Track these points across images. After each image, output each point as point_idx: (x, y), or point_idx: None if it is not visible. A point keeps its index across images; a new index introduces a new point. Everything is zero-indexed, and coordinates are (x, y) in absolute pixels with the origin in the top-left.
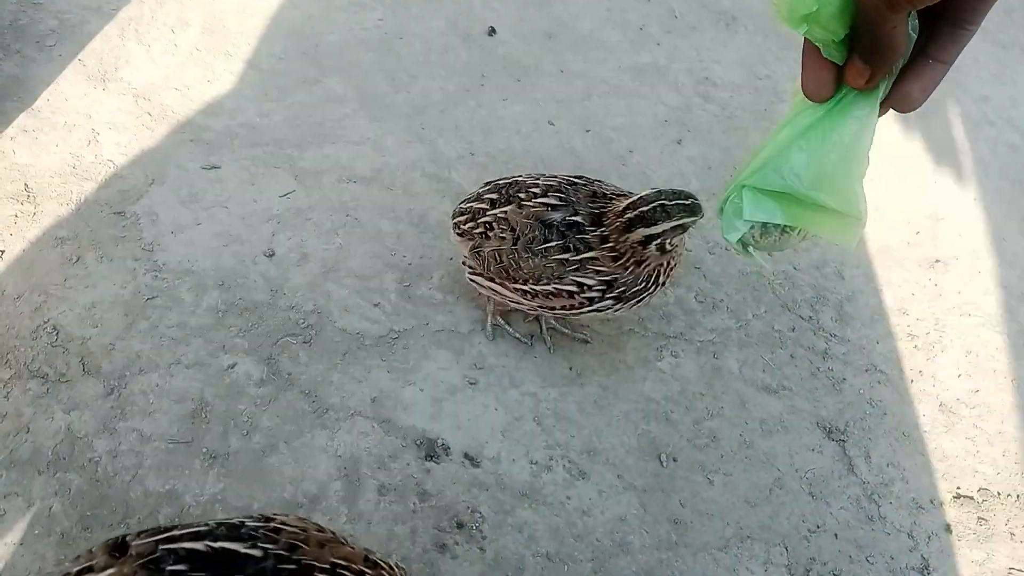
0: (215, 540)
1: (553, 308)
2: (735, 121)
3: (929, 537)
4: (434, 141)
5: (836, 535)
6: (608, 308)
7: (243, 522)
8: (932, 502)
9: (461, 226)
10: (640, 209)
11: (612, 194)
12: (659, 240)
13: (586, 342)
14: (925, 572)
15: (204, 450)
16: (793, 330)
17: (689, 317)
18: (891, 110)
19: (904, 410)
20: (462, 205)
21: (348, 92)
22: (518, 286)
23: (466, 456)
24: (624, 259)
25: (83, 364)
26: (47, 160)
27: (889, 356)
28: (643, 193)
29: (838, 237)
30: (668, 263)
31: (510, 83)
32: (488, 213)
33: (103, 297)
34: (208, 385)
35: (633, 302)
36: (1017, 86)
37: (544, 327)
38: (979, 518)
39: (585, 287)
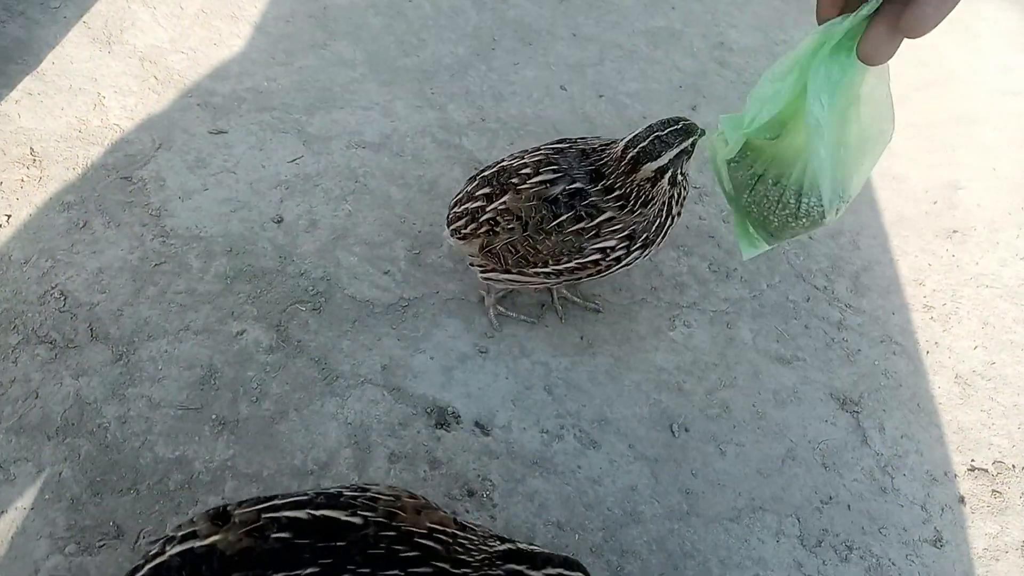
0: (316, 508)
1: (580, 279)
2: (751, 87)
3: (943, 509)
4: (444, 106)
5: (849, 507)
6: (638, 258)
7: (340, 492)
8: (946, 474)
9: (462, 231)
10: (640, 146)
11: (600, 146)
12: (670, 172)
13: (598, 311)
14: (938, 544)
15: (213, 417)
16: (808, 300)
17: (702, 287)
18: (904, 38)
19: (919, 382)
20: (455, 210)
21: (357, 56)
22: (539, 270)
23: (477, 424)
24: (631, 204)
25: (91, 330)
26: (53, 124)
27: (904, 327)
28: (635, 132)
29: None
30: (678, 193)
31: (521, 47)
32: (488, 209)
33: (111, 263)
34: (217, 352)
35: (658, 241)
36: None
37: (555, 297)
38: (993, 491)
39: (608, 251)
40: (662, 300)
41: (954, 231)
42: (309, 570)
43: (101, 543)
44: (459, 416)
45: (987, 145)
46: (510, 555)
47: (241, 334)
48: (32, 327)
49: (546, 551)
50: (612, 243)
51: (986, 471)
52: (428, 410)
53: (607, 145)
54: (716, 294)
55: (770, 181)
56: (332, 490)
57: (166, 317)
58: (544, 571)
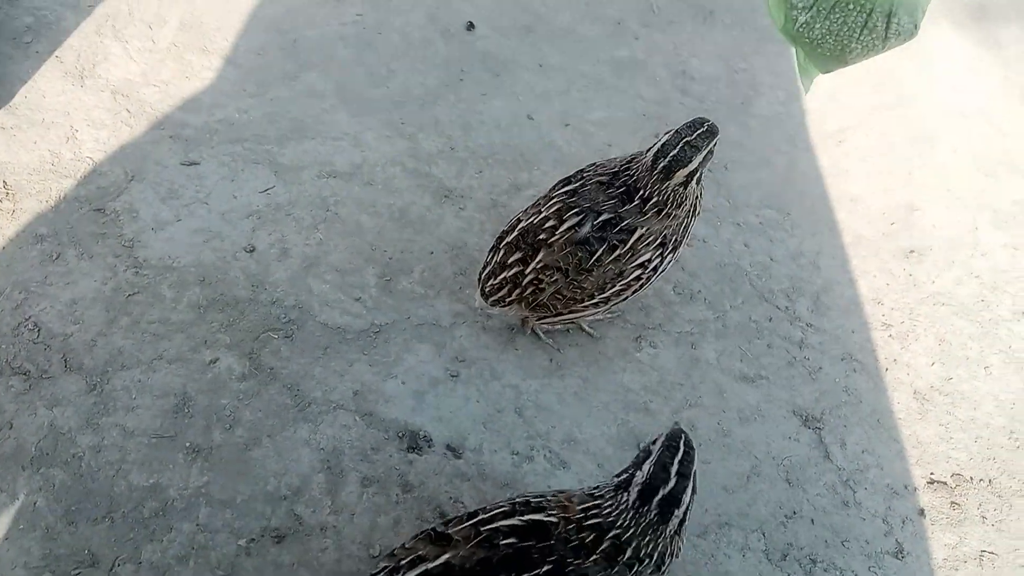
0: (523, 514)
1: (625, 298)
2: (712, 114)
3: (903, 522)
4: (414, 136)
5: (812, 521)
6: (670, 264)
7: (527, 499)
8: (906, 487)
9: (506, 299)
10: (671, 154)
11: (622, 167)
12: (698, 173)
13: (591, 335)
14: (899, 556)
15: (187, 444)
16: (770, 320)
17: (668, 308)
18: None
19: (879, 398)
20: (491, 283)
21: (327, 87)
22: (588, 303)
23: (448, 448)
24: (668, 208)
25: (65, 360)
26: (25, 157)
27: (864, 345)
28: (662, 141)
29: None
30: (701, 191)
31: (489, 78)
32: (527, 272)
33: (84, 294)
34: (190, 380)
35: (685, 241)
36: (991, 79)
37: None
38: (952, 503)
39: (647, 264)
40: (629, 322)
41: (911, 251)
42: (545, 568)
43: (76, 571)
44: (431, 440)
45: (943, 166)
46: (644, 494)
47: (214, 362)
48: (6, 359)
49: (636, 456)
50: (648, 255)
51: (945, 484)
52: (400, 434)
53: (629, 163)
54: (681, 316)
55: (851, 9)
56: (518, 497)
57: (139, 347)
58: (643, 467)
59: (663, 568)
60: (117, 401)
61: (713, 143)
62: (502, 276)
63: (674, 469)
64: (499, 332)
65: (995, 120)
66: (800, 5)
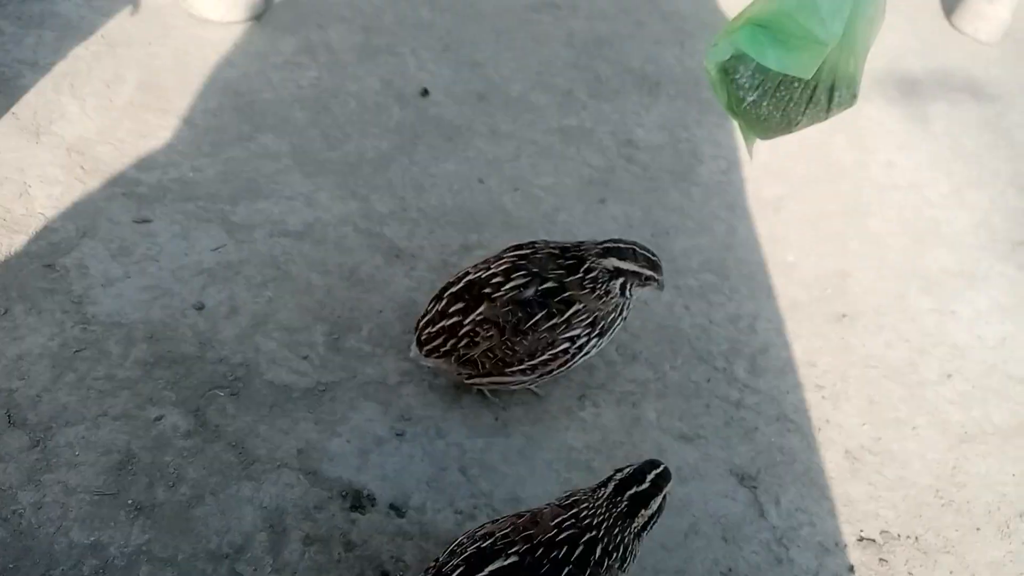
0: (479, 569)
1: (551, 371)
2: (656, 182)
3: None
4: (367, 197)
5: None
6: (594, 348)
7: (479, 548)
8: (837, 544)
9: (440, 348)
10: (618, 243)
11: (572, 245)
12: (623, 278)
13: (536, 395)
14: None
15: (130, 502)
16: (708, 381)
17: (610, 368)
18: None
19: (811, 457)
20: (428, 330)
21: (282, 148)
22: (515, 368)
23: (391, 507)
24: (599, 288)
25: (9, 416)
26: None
27: (798, 406)
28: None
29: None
30: (627, 304)
31: (442, 142)
32: (466, 323)
33: (31, 349)
34: (135, 437)
35: (609, 334)
36: (920, 152)
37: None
38: (880, 559)
39: (575, 339)
40: (573, 381)
41: (843, 315)
42: None
43: None
44: (374, 498)
45: (874, 235)
46: (620, 487)
47: (159, 419)
48: None
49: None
50: (578, 331)
51: (874, 541)
52: (343, 493)
53: (578, 246)
54: (623, 375)
55: (796, 88)
56: (471, 547)
57: (85, 403)
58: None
59: (624, 567)
60: (60, 457)
61: (647, 271)
62: (440, 324)
63: (650, 477)
64: (445, 391)
65: (923, 192)
66: (747, 86)
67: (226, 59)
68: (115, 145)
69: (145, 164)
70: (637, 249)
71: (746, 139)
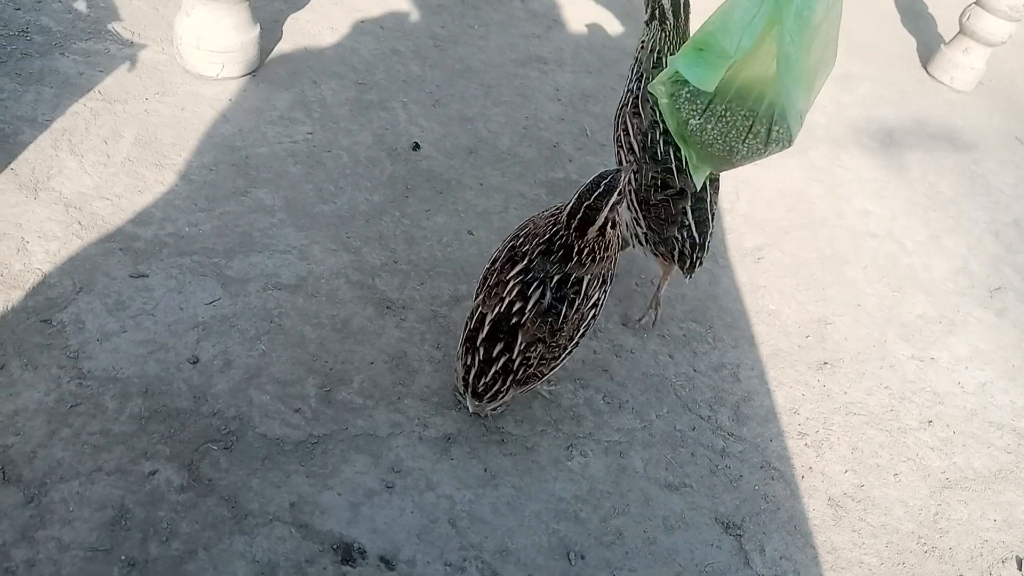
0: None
1: (583, 335)
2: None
3: None
4: (359, 250)
5: None
6: (607, 295)
7: None
8: None
9: (501, 390)
10: (577, 217)
11: (550, 231)
12: (610, 221)
13: (548, 398)
14: None
15: (123, 558)
16: (694, 429)
17: (597, 418)
18: None
19: (795, 505)
20: (485, 380)
21: (276, 202)
22: (564, 356)
23: (382, 559)
24: (599, 253)
25: (3, 472)
26: None
27: (782, 454)
28: (569, 203)
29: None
30: (619, 233)
31: (433, 195)
32: (515, 356)
33: (27, 405)
34: (129, 492)
35: (614, 273)
36: (896, 202)
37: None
38: None
39: (597, 302)
40: (561, 431)
41: (824, 363)
42: None
43: None
44: (365, 552)
45: (853, 283)
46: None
47: (153, 474)
48: None
49: None
50: (596, 295)
51: None
52: (335, 546)
53: (555, 223)
54: (610, 425)
55: (739, 114)
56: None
57: (79, 458)
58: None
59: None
60: (54, 514)
61: (614, 197)
62: (492, 371)
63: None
64: (435, 442)
65: (900, 239)
66: (689, 108)
67: (222, 115)
68: (112, 200)
69: (142, 219)
70: (588, 201)
71: (694, 169)
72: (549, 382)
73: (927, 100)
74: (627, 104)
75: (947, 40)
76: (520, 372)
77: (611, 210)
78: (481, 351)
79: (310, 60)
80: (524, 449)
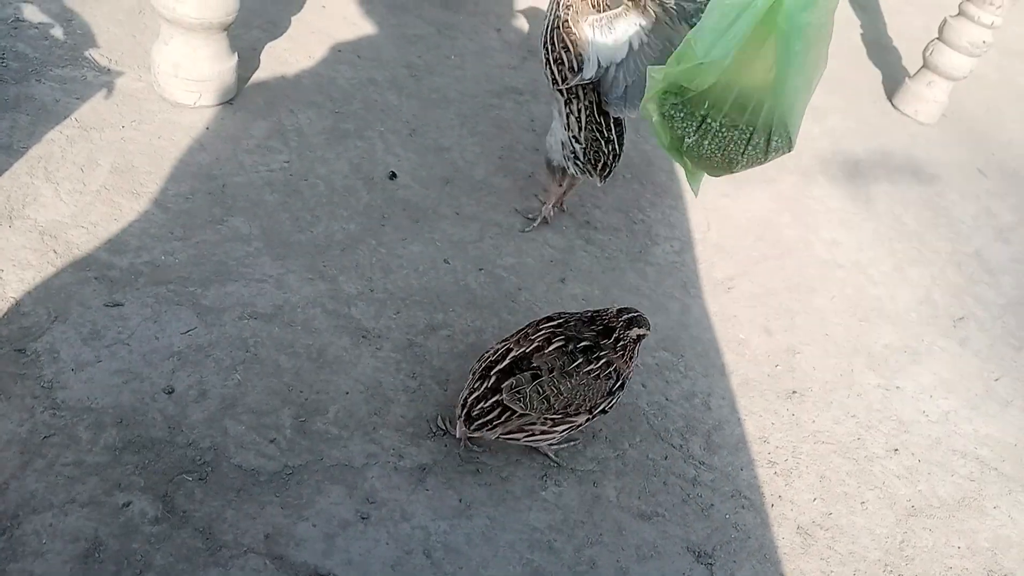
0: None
1: (579, 426)
2: (613, 262)
3: None
4: (335, 278)
5: None
6: (616, 402)
7: None
8: None
9: (493, 422)
10: (632, 314)
11: (594, 313)
12: (639, 344)
13: (555, 462)
14: None
15: None
16: (666, 458)
17: (571, 447)
18: None
19: (765, 533)
20: (484, 405)
21: (252, 231)
22: (566, 419)
23: None
24: (627, 353)
25: None
26: None
27: (752, 482)
28: (615, 307)
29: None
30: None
31: (409, 224)
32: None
33: (0, 435)
34: (102, 524)
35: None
36: (862, 233)
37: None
38: None
39: (611, 390)
40: (535, 461)
41: (793, 392)
42: None
43: None
44: None
45: (820, 313)
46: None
47: (127, 505)
48: None
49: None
50: (613, 386)
51: None
52: None
53: (596, 315)
54: (584, 454)
55: (736, 127)
56: None
57: (53, 490)
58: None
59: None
60: (27, 546)
61: (646, 334)
62: (493, 400)
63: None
64: (410, 472)
65: (866, 270)
66: (688, 127)
67: (199, 143)
68: (88, 229)
69: (117, 248)
70: (644, 317)
71: (690, 179)
72: (550, 444)
73: (892, 132)
74: (562, 21)
75: (911, 74)
76: (516, 417)
77: (640, 341)
78: (492, 379)
79: (287, 89)
80: (499, 479)
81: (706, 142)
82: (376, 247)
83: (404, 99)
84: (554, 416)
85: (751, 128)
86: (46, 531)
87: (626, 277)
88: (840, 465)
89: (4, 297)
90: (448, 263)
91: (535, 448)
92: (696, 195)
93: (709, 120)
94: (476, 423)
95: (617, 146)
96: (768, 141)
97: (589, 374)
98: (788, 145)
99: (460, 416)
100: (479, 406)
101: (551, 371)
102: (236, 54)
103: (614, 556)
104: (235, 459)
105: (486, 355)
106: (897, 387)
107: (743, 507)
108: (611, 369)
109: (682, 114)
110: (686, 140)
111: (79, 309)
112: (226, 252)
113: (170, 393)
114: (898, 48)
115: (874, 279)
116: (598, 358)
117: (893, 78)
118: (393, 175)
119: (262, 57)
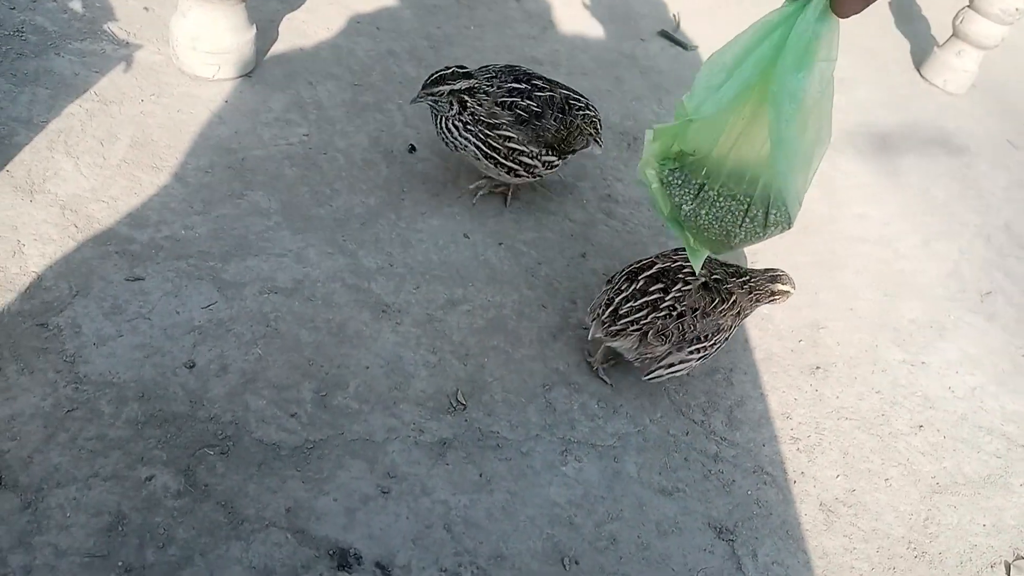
0: None
1: (701, 357)
2: (634, 236)
3: None
4: (355, 253)
5: None
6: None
7: None
8: None
9: (640, 322)
10: (778, 274)
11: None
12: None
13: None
14: None
15: (120, 564)
16: (687, 434)
17: (592, 422)
18: None
19: (787, 510)
20: (631, 304)
21: (272, 205)
22: (695, 345)
23: (377, 565)
24: (754, 293)
25: (0, 478)
26: None
27: (774, 458)
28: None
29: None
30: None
31: (428, 198)
32: (667, 299)
33: (23, 409)
34: (125, 498)
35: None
36: (889, 206)
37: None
38: None
39: (728, 329)
40: (555, 436)
41: (817, 367)
42: None
43: None
44: (360, 557)
45: (846, 287)
46: None
47: (150, 479)
48: None
49: None
50: (729, 323)
51: None
52: (331, 552)
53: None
54: (604, 429)
55: (733, 198)
56: None
57: (76, 464)
58: None
59: None
60: (51, 519)
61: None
62: (642, 300)
63: None
64: (430, 447)
65: (893, 244)
66: (682, 194)
67: (218, 116)
68: (108, 203)
69: (138, 222)
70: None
71: (691, 253)
72: (672, 366)
73: (921, 103)
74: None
75: (940, 43)
76: (661, 318)
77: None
78: (640, 282)
79: (306, 61)
80: (519, 454)
81: (703, 211)
82: (396, 221)
83: (423, 71)
84: (688, 347)
85: (748, 199)
86: (70, 504)
87: (647, 251)
88: (864, 441)
89: (26, 271)
90: (468, 237)
91: (629, 360)
92: (697, 271)
93: (707, 188)
94: (615, 326)
95: (597, 120)
96: (766, 215)
97: (720, 315)
98: (787, 221)
99: (601, 316)
100: (628, 305)
101: (694, 309)
102: (255, 26)
103: (635, 532)
104: (256, 433)
105: (628, 266)
106: (923, 362)
107: (765, 483)
108: (735, 309)
109: (680, 180)
110: (684, 207)
111: (100, 283)
112: (246, 226)
113: (191, 367)
114: (927, 16)
115: (901, 253)
116: (728, 292)
117: (921, 47)
118: (412, 148)
119: (280, 29)
